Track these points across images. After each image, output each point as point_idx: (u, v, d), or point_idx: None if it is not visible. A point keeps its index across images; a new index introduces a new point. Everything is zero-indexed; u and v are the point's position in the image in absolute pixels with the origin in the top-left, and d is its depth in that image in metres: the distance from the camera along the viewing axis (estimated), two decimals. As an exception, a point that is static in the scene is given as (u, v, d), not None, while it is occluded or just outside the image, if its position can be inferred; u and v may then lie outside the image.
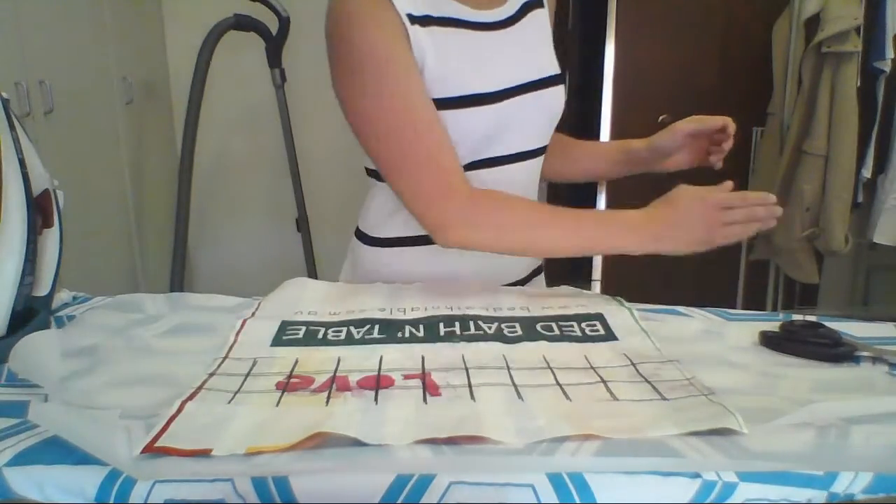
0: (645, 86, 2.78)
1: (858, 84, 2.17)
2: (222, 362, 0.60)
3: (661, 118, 2.82)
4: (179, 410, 0.50)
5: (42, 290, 0.69)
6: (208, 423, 0.48)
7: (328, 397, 0.53)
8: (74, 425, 0.47)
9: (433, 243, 0.80)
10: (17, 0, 1.55)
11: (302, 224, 2.42)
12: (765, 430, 0.47)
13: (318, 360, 0.60)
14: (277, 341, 0.65)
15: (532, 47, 0.90)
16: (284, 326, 0.68)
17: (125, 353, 0.63)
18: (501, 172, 0.87)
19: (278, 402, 0.52)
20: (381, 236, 0.92)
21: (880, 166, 2.29)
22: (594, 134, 2.80)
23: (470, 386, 0.54)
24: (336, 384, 0.55)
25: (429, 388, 0.54)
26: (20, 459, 0.44)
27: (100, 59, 2.02)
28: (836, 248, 2.26)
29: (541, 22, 0.92)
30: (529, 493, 0.42)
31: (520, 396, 0.53)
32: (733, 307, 0.79)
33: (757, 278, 2.70)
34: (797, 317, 0.71)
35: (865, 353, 0.63)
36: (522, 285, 0.94)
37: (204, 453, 0.44)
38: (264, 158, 2.57)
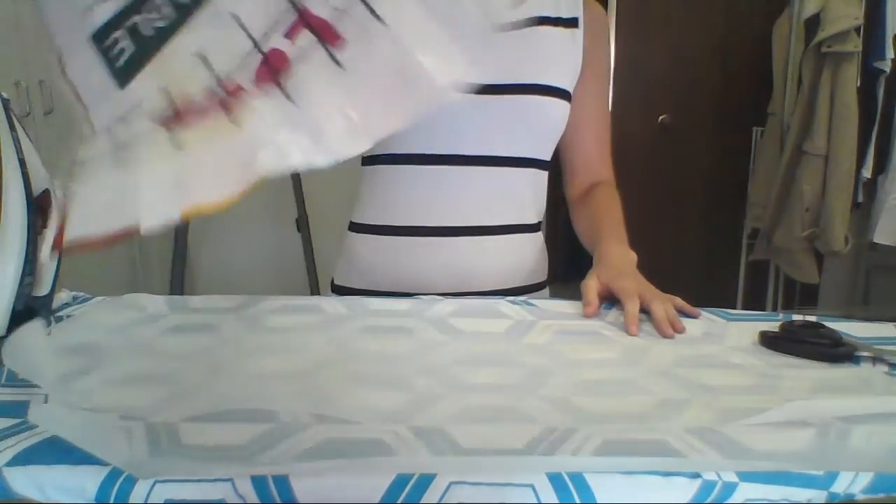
0: (645, 86, 2.79)
1: (858, 84, 2.18)
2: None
3: (660, 118, 2.82)
4: (67, 199, 0.42)
5: (42, 290, 0.69)
6: (112, 197, 0.40)
7: (230, 115, 0.42)
8: (74, 425, 0.47)
9: (410, 234, 0.88)
10: (17, 1, 1.55)
11: (302, 224, 2.42)
12: (763, 430, 0.47)
13: (183, 74, 0.44)
14: (123, 76, 0.46)
15: (526, 56, 0.90)
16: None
17: (125, 353, 0.63)
18: (463, 174, 0.89)
19: (179, 145, 0.42)
20: (359, 222, 0.96)
21: (880, 166, 2.30)
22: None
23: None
24: (227, 92, 0.42)
25: (327, 39, 0.42)
26: (20, 459, 0.44)
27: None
28: (836, 248, 2.26)
29: (555, 39, 0.93)
30: (529, 493, 0.42)
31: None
32: (733, 307, 0.79)
33: (757, 278, 2.71)
34: (797, 317, 0.71)
35: (865, 353, 0.63)
36: (517, 295, 0.92)
37: (130, 233, 0.38)
38: (264, 158, 2.57)
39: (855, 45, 2.14)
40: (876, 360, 0.62)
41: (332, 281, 1.01)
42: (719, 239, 2.84)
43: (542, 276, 1.00)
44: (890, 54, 2.15)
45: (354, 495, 0.42)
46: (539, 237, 0.99)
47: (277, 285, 2.67)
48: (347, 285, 0.97)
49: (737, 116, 2.70)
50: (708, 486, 0.42)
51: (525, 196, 0.95)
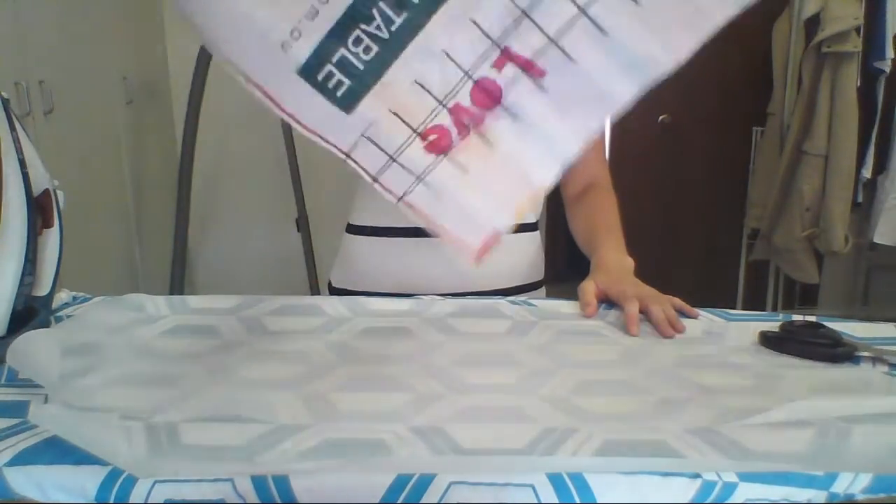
0: (645, 86, 2.78)
1: (858, 84, 2.17)
2: None
3: (660, 118, 2.82)
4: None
5: (42, 290, 0.69)
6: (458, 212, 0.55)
7: (477, 136, 0.55)
8: (74, 426, 0.47)
9: (408, 236, 0.87)
10: (18, 0, 1.55)
11: (302, 224, 2.42)
12: (763, 430, 0.47)
13: (407, 99, 0.55)
14: (347, 104, 0.55)
15: None
16: None
17: (125, 353, 0.63)
18: None
19: (462, 168, 0.55)
20: (357, 224, 0.96)
21: (880, 166, 2.29)
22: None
23: None
24: (450, 110, 0.54)
25: (532, 73, 0.53)
26: (20, 459, 0.44)
27: (100, 59, 2.02)
28: (836, 248, 2.25)
29: None
30: (529, 493, 0.42)
31: None
32: (733, 307, 0.79)
33: (757, 278, 2.70)
34: (797, 317, 0.71)
35: (865, 354, 0.63)
36: (512, 295, 0.91)
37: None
38: (264, 158, 2.58)
39: (855, 45, 2.13)
40: (876, 360, 0.62)
41: (329, 283, 1.01)
42: (719, 239, 2.84)
43: (539, 274, 1.00)
44: (890, 54, 2.15)
45: (354, 495, 0.42)
46: (536, 236, 0.99)
47: (277, 285, 2.67)
48: (345, 287, 0.97)
49: (737, 116, 2.70)
50: (708, 487, 0.42)
51: None
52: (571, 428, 0.48)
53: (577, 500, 0.41)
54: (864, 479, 0.42)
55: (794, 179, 2.32)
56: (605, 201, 0.95)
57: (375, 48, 0.52)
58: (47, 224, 0.71)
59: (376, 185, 0.55)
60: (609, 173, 1.00)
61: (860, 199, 2.32)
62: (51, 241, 0.71)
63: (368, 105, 0.53)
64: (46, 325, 0.69)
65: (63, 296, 0.79)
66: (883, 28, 2.15)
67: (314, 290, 2.39)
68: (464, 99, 0.53)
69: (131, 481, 0.42)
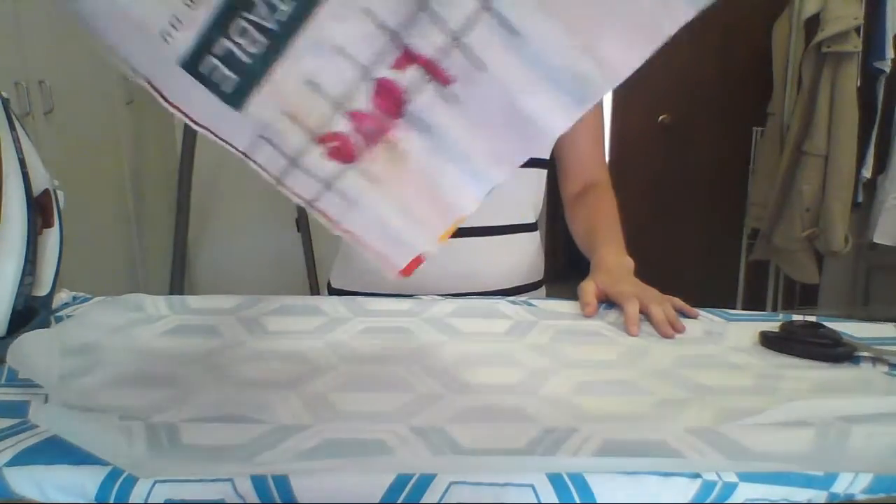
0: (645, 86, 2.78)
1: (858, 84, 2.17)
2: None
3: (660, 118, 2.82)
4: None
5: (42, 290, 0.69)
6: (378, 226, 0.48)
7: (385, 145, 0.46)
8: (74, 426, 0.47)
9: None
10: (18, 0, 1.55)
11: (302, 224, 2.42)
12: (763, 430, 0.47)
13: (300, 100, 0.47)
14: (236, 100, 0.48)
15: None
16: None
17: (125, 353, 0.63)
18: None
19: (373, 179, 0.47)
20: None
21: (880, 166, 2.29)
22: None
23: None
24: (351, 116, 0.46)
25: (437, 77, 0.44)
26: (20, 459, 0.44)
27: (100, 59, 2.01)
28: (836, 248, 2.25)
29: None
30: (529, 493, 0.42)
31: None
32: (733, 307, 0.79)
33: (757, 278, 2.70)
34: (797, 317, 0.71)
35: (865, 354, 0.63)
36: (512, 296, 0.93)
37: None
38: (264, 158, 2.57)
39: (855, 45, 2.13)
40: (876, 360, 0.62)
41: (329, 283, 1.01)
42: (719, 239, 2.84)
43: (539, 274, 1.00)
44: (890, 54, 2.14)
45: (354, 495, 0.42)
46: (536, 236, 0.99)
47: (277, 285, 2.67)
48: (345, 288, 0.97)
49: (737, 116, 2.70)
50: (708, 487, 0.42)
51: (524, 196, 0.95)
52: (571, 428, 0.48)
53: (577, 500, 0.41)
54: (864, 479, 0.43)
55: (794, 179, 2.32)
56: (604, 201, 0.95)
57: (263, 40, 0.45)
58: (47, 224, 0.71)
59: (281, 188, 0.49)
60: (608, 173, 1.00)
61: (860, 199, 2.32)
62: (51, 241, 0.71)
63: (259, 104, 0.46)
64: (46, 325, 0.69)
65: (63, 296, 0.79)
66: (883, 28, 2.15)
67: (314, 290, 2.39)
68: (363, 103, 0.45)
69: (131, 481, 0.42)
